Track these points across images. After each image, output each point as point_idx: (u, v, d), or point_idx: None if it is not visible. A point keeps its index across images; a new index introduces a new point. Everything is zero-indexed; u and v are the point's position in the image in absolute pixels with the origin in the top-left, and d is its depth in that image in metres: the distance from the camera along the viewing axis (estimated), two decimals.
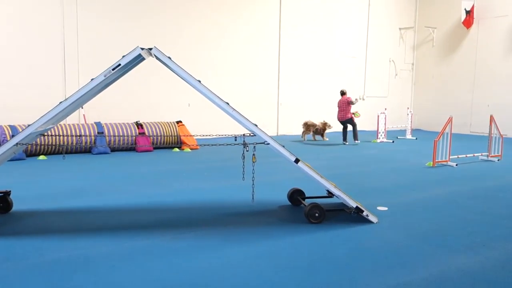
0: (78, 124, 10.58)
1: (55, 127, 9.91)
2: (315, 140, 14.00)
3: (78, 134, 10.20)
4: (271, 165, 8.70)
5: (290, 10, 15.60)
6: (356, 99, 13.11)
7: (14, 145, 4.42)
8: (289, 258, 3.88)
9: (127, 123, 11.18)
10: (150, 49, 4.55)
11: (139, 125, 11.23)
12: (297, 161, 4.73)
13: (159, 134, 11.31)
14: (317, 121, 14.17)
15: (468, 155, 9.85)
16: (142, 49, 4.46)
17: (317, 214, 4.91)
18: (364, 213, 4.93)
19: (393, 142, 13.70)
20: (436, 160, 9.08)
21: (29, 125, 4.44)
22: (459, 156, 9.65)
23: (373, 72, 18.11)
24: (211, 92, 4.63)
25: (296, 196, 5.74)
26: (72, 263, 3.70)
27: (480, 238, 4.50)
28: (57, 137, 9.94)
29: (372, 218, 4.95)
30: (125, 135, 10.86)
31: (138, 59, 4.68)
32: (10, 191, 5.31)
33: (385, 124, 13.89)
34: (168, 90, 13.10)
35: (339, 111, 13.10)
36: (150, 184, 6.96)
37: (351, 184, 7.06)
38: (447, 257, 3.97)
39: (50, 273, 3.50)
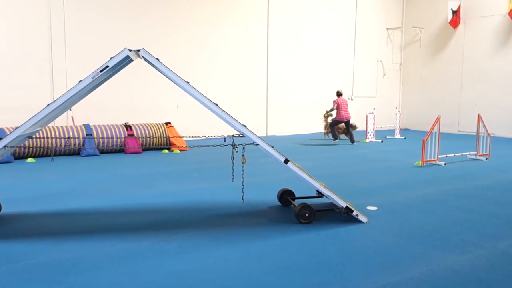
0: (66, 126, 10.50)
1: (43, 129, 9.82)
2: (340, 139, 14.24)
3: (66, 136, 10.12)
4: (260, 166, 8.70)
5: (278, 10, 15.61)
6: (327, 111, 13.08)
7: (2, 147, 4.37)
8: (279, 259, 3.88)
9: (116, 125, 11.11)
10: (138, 50, 4.52)
11: (128, 126, 11.17)
12: (286, 161, 4.74)
13: (148, 136, 11.26)
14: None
15: (456, 154, 9.93)
16: (130, 50, 4.44)
17: (307, 215, 4.92)
18: (354, 213, 4.94)
19: (382, 142, 13.76)
20: (425, 160, 9.14)
21: (16, 128, 4.39)
22: (448, 155, 9.72)
23: (361, 72, 18.19)
24: (200, 93, 4.61)
25: (286, 196, 5.74)
26: (63, 265, 3.67)
27: (469, 237, 4.53)
28: (46, 139, 9.85)
29: (362, 218, 4.97)
30: (114, 137, 10.79)
31: (126, 60, 4.65)
32: None
33: (373, 124, 13.96)
34: (156, 91, 13.05)
35: (344, 111, 13.00)
36: (140, 186, 6.92)
37: (341, 184, 7.08)
38: (437, 256, 3.99)
39: (40, 276, 3.46)
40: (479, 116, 10.04)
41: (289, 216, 5.23)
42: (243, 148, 4.95)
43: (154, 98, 13.14)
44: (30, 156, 9.77)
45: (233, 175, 5.10)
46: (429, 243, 4.32)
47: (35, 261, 3.76)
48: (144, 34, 12.82)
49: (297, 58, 16.24)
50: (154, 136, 11.36)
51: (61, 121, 11.32)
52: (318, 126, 16.24)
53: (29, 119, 4.36)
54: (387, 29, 18.78)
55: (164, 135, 11.50)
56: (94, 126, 10.79)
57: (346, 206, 4.94)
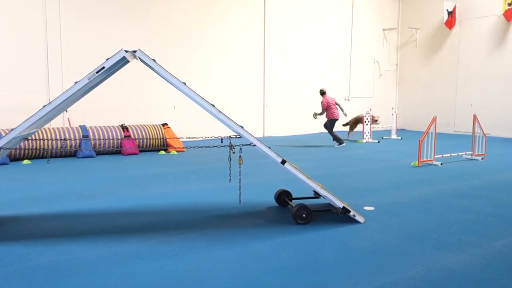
0: (62, 128, 10.47)
1: (39, 131, 9.79)
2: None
3: (62, 137, 10.09)
4: (257, 167, 8.70)
5: (274, 11, 15.62)
6: (315, 113, 12.81)
7: None
8: (277, 259, 3.88)
9: (113, 126, 11.09)
10: (135, 51, 4.51)
11: (124, 128, 11.15)
12: (283, 162, 4.74)
13: (144, 137, 11.23)
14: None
15: (452, 154, 9.96)
16: (126, 51, 4.43)
17: (304, 215, 4.92)
18: (351, 213, 4.95)
19: (378, 142, 13.79)
20: (421, 160, 9.17)
21: (12, 129, 4.38)
22: (444, 155, 9.75)
23: (357, 73, 18.23)
24: (197, 94, 4.61)
25: (283, 197, 5.74)
26: (59, 268, 3.66)
27: (466, 237, 4.54)
28: (42, 141, 9.82)
29: (359, 218, 4.98)
30: (111, 138, 10.77)
31: (123, 61, 4.64)
32: None
33: (370, 124, 13.99)
34: (153, 92, 13.03)
35: (334, 111, 12.52)
36: (137, 187, 6.91)
37: (338, 185, 7.09)
38: (433, 255, 4.00)
39: (36, 278, 3.45)
40: (474, 116, 10.07)
41: (287, 216, 5.23)
42: (240, 149, 4.95)
43: (151, 99, 13.12)
44: (26, 158, 9.74)
45: (230, 176, 5.10)
46: (426, 243, 4.33)
47: (31, 264, 3.74)
48: (140, 35, 12.80)
49: (293, 59, 16.26)
50: (151, 137, 11.33)
51: (57, 123, 11.28)
52: (314, 127, 16.26)
53: (24, 121, 4.34)
54: (383, 29, 18.83)
55: (161, 136, 11.48)
56: (91, 127, 10.76)
57: (343, 207, 4.94)
